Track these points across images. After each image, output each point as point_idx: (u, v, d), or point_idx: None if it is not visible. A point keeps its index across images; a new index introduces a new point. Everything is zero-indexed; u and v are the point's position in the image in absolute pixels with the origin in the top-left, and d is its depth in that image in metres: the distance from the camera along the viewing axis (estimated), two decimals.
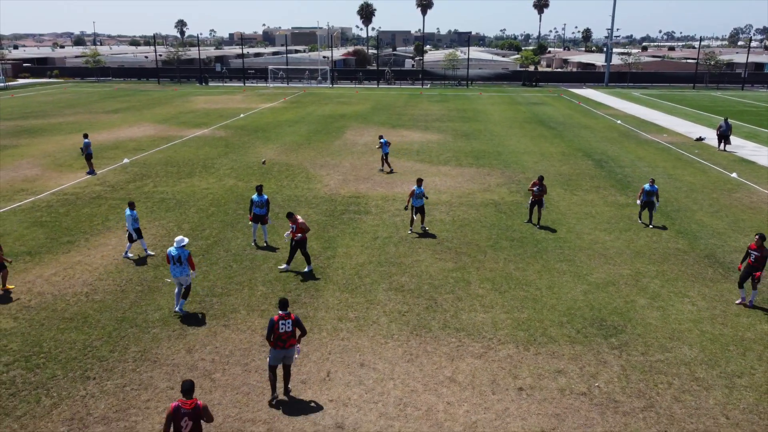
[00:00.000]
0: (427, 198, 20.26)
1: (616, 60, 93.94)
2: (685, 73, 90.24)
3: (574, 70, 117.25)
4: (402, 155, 33.57)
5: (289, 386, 11.14)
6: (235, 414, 10.55)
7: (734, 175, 29.18)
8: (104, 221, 21.39)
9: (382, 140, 29.15)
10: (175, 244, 13.91)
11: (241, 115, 50.49)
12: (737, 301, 15.01)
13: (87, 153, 28.32)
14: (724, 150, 35.81)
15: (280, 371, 11.17)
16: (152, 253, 18.00)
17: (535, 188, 20.48)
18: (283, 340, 10.55)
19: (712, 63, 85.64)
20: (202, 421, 8.32)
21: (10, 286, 15.58)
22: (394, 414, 10.62)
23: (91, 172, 28.46)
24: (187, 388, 8.25)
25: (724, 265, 17.61)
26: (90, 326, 13.71)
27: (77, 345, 12.88)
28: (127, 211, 17.33)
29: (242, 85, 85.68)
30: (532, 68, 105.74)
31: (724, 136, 35.83)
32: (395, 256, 18.10)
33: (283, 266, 16.92)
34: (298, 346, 10.87)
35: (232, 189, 25.87)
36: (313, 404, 10.86)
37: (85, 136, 28.83)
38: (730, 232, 20.59)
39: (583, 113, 54.42)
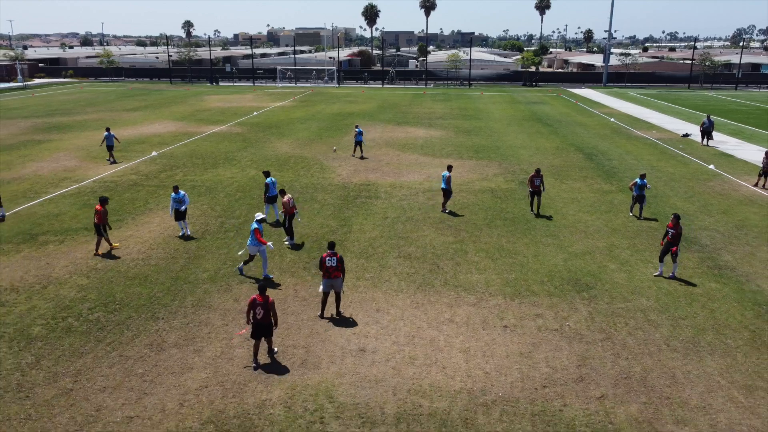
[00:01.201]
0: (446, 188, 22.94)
1: (614, 61, 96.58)
2: (681, 74, 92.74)
3: (575, 70, 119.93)
4: (408, 149, 36.38)
5: (340, 309, 14.59)
6: (279, 342, 13.36)
7: (711, 166, 31.92)
8: (145, 204, 24.25)
9: (357, 129, 33.61)
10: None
11: (255, 113, 53.37)
12: (655, 273, 17.16)
13: (108, 144, 31.82)
14: (707, 145, 38.51)
15: (330, 297, 14.60)
16: (188, 233, 20.41)
17: (536, 181, 22.64)
18: (329, 272, 13.92)
19: (708, 64, 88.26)
20: (270, 314, 12.08)
21: (116, 244, 19.27)
22: (404, 342, 13.44)
23: (111, 160, 31.94)
24: (261, 286, 12.16)
25: (688, 240, 20.35)
26: (151, 283, 16.56)
27: (143, 296, 15.72)
28: (172, 194, 20.12)
29: (252, 84, 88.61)
30: (533, 69, 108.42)
31: (707, 132, 38.53)
32: (403, 232, 20.91)
33: (287, 240, 19.67)
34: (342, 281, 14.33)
35: (254, 178, 28.70)
36: (340, 336, 13.68)
37: (107, 129, 32.37)
38: (698, 214, 23.34)
39: (579, 112, 57.15)
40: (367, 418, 10.73)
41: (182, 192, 20.18)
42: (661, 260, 17.20)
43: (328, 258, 14.03)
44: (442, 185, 22.89)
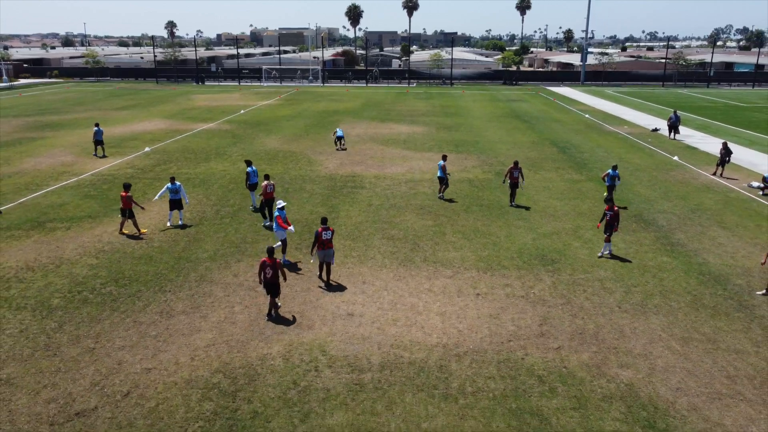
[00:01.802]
0: (449, 175, 24.87)
1: (592, 60, 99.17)
2: (656, 72, 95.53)
3: (554, 69, 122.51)
4: (391, 144, 38.10)
5: (331, 278, 16.55)
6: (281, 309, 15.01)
7: (675, 158, 34.05)
8: (144, 194, 25.68)
9: (338, 132, 36.71)
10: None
11: (242, 111, 54.76)
12: (599, 255, 18.55)
13: (97, 139, 33.23)
14: (674, 139, 40.72)
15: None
16: (181, 223, 21.76)
17: (515, 173, 23.73)
18: (325, 245, 15.95)
19: (682, 63, 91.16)
20: (279, 273, 14.19)
21: (143, 230, 20.82)
22: (388, 308, 15.14)
23: (101, 155, 33.58)
24: (269, 249, 14.20)
25: (647, 221, 22.31)
26: (156, 262, 18.09)
27: (150, 273, 17.26)
28: (168, 185, 21.55)
29: (237, 84, 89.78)
30: (514, 68, 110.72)
31: (673, 127, 40.73)
32: (386, 217, 22.62)
33: (267, 222, 21.46)
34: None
35: (245, 170, 30.13)
36: (330, 303, 15.35)
37: (96, 124, 33.76)
38: (658, 199, 25.33)
39: (556, 109, 59.29)
40: (356, 367, 12.41)
41: (178, 183, 21.63)
42: (608, 240, 18.59)
43: (324, 232, 16.00)
44: (438, 173, 24.78)
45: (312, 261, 16.54)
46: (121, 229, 20.61)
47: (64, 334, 13.72)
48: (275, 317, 14.58)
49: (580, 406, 11.15)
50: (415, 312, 14.91)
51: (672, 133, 40.99)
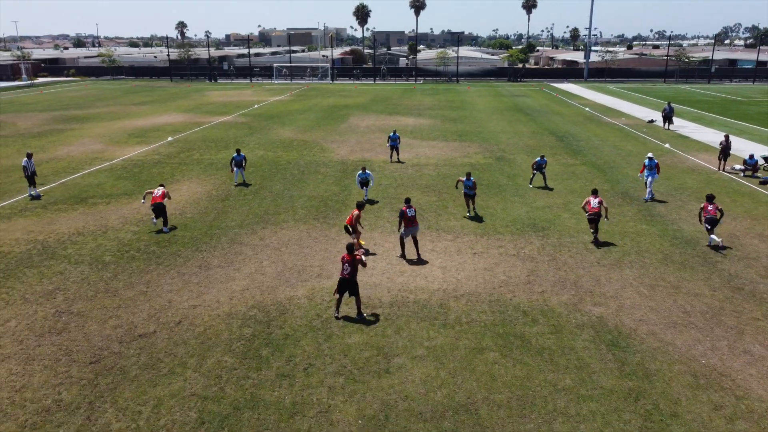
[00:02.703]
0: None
1: (595, 57, 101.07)
2: (658, 69, 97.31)
3: (559, 66, 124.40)
4: (398, 134, 40.31)
5: (419, 251, 17.73)
6: (300, 263, 17.30)
7: (667, 145, 36.13)
8: (172, 176, 28.09)
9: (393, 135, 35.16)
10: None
11: (255, 106, 57.20)
12: (592, 240, 19.60)
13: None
14: (668, 129, 42.76)
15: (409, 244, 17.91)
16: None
17: (465, 180, 21.44)
18: (410, 220, 17.20)
19: (684, 60, 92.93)
20: (359, 266, 13.99)
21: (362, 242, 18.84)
22: (396, 263, 17.41)
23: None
24: (348, 246, 13.62)
25: (632, 198, 24.45)
26: (190, 229, 20.45)
27: (186, 237, 19.62)
28: (234, 155, 26.10)
29: (249, 81, 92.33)
30: (519, 65, 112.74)
31: (668, 117, 42.76)
32: (395, 194, 24.88)
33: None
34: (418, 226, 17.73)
35: (263, 157, 32.60)
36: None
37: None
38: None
39: (558, 103, 61.37)
40: (369, 305, 14.68)
41: (243, 154, 26.51)
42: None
43: (408, 209, 17.14)
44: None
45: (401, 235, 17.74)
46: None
47: (119, 281, 16.08)
48: (361, 317, 13.96)
49: (556, 331, 13.37)
50: (420, 266, 17.17)
51: (666, 124, 43.02)
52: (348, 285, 13.65)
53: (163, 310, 14.36)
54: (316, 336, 13.12)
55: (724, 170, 29.33)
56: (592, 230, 19.04)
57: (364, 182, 23.51)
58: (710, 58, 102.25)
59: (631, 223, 21.10)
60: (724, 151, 29.28)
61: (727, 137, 29.60)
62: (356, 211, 17.24)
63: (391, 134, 32.08)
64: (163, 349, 12.58)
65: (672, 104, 43.68)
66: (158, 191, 20.00)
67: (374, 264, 17.28)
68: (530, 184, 26.33)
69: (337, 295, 13.90)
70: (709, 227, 18.41)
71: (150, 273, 16.63)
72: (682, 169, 29.85)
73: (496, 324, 13.68)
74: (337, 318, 13.88)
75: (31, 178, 24.41)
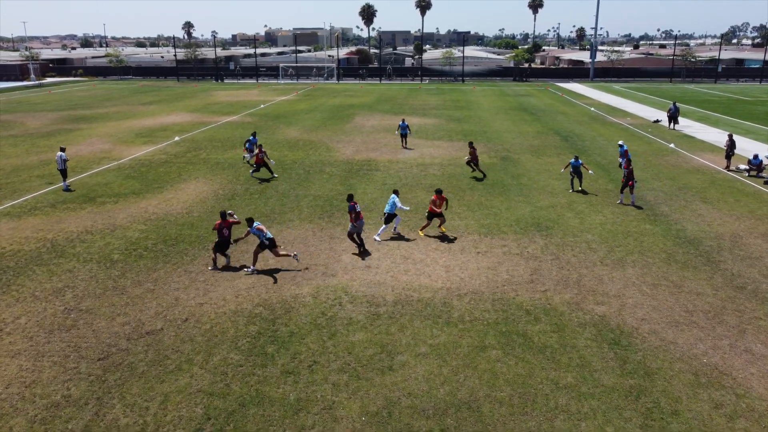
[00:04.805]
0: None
1: (601, 57, 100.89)
2: (664, 69, 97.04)
3: (565, 66, 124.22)
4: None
5: (365, 245, 18.50)
6: (305, 262, 17.48)
7: (672, 145, 36.13)
8: (179, 175, 28.34)
9: (402, 123, 36.52)
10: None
11: (261, 106, 57.47)
12: (617, 201, 21.36)
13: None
14: (674, 129, 42.71)
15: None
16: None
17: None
18: (359, 215, 17.92)
19: (691, 59, 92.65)
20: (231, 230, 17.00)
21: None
22: (400, 261, 17.57)
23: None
24: (221, 212, 16.83)
25: (636, 198, 24.50)
26: (196, 227, 20.66)
27: (193, 236, 19.83)
28: (250, 137, 28.97)
29: (255, 81, 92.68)
30: (525, 65, 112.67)
31: (673, 117, 42.72)
32: (400, 194, 25.00)
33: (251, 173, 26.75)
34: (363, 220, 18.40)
35: (269, 156, 32.77)
36: (350, 258, 17.80)
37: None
38: (649, 180, 27.50)
39: (563, 103, 61.36)
40: (373, 303, 14.85)
41: (256, 138, 29.81)
42: (621, 192, 23.00)
43: (356, 205, 17.86)
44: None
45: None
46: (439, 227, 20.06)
47: (127, 279, 16.30)
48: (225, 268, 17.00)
49: (559, 330, 13.49)
50: (424, 265, 17.32)
51: (671, 124, 42.97)
52: (224, 245, 16.88)
53: (170, 308, 14.56)
54: (320, 333, 13.29)
55: (728, 170, 29.34)
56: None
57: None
58: (717, 57, 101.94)
59: (635, 223, 21.17)
60: (729, 150, 29.40)
61: (730, 136, 29.69)
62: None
63: (401, 123, 35.96)
64: (170, 345, 12.78)
65: (677, 104, 43.62)
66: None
67: (378, 263, 17.44)
68: (571, 189, 25.48)
69: (214, 255, 17.01)
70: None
71: (157, 271, 16.85)
72: (687, 169, 29.88)
73: (498, 322, 13.81)
74: (213, 269, 16.92)
75: (64, 172, 25.67)
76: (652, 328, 13.55)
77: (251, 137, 30.19)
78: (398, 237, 19.63)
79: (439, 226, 19.87)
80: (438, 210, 19.30)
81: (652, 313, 14.31)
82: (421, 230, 19.97)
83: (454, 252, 18.35)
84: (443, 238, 19.59)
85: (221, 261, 17.33)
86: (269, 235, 16.66)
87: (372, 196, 24.63)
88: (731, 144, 29.26)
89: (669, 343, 12.91)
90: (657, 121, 46.68)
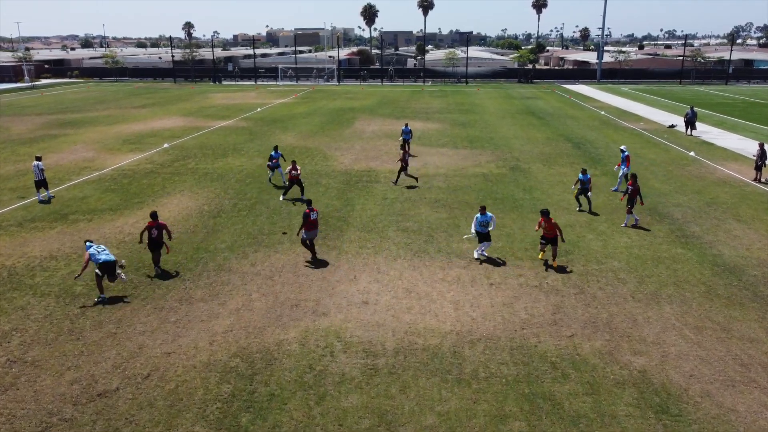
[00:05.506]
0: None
1: (608, 58, 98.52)
2: (673, 70, 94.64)
3: (570, 67, 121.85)
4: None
5: (316, 251, 17.84)
6: (293, 297, 15.28)
7: (692, 153, 33.84)
8: (163, 188, 26.15)
9: (405, 128, 34.08)
10: None
11: (258, 109, 55.29)
12: (623, 224, 19.69)
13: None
14: (691, 135, 40.42)
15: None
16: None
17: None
18: (312, 224, 17.16)
19: (700, 60, 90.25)
20: (165, 232, 16.58)
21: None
22: (402, 296, 15.34)
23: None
24: (152, 213, 16.59)
25: (661, 214, 22.27)
26: (175, 252, 18.44)
27: (170, 262, 17.62)
28: (272, 153, 26.03)
29: (254, 83, 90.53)
30: (530, 66, 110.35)
31: (690, 123, 40.44)
32: (401, 210, 22.81)
33: (282, 198, 24.26)
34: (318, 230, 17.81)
35: (262, 166, 30.60)
36: (345, 292, 15.59)
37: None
38: (673, 193, 25.25)
39: (571, 106, 59.07)
40: (370, 352, 12.63)
41: (280, 152, 26.14)
42: (629, 213, 20.56)
43: (311, 212, 17.13)
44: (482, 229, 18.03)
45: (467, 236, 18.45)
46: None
47: (86, 319, 14.10)
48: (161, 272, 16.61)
49: (592, 391, 11.26)
50: (429, 300, 15.10)
51: (689, 129, 40.70)
52: (157, 245, 16.47)
53: (131, 359, 12.36)
54: (306, 396, 11.08)
55: (758, 182, 27.07)
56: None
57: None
58: (726, 58, 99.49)
59: (665, 246, 18.92)
60: (759, 160, 27.13)
61: (761, 146, 27.39)
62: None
63: (404, 128, 33.51)
64: (124, 413, 10.57)
65: (695, 108, 41.31)
66: None
67: (377, 297, 15.23)
68: (579, 206, 22.95)
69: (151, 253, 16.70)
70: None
71: (123, 308, 14.65)
72: (712, 180, 27.60)
73: (519, 380, 11.58)
74: (156, 270, 16.72)
75: (43, 182, 24.11)
76: (704, 389, 11.30)
77: (273, 152, 26.30)
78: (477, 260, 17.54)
79: (553, 260, 17.43)
80: (552, 235, 17.05)
81: (701, 367, 12.07)
82: (541, 253, 17.85)
83: (464, 283, 16.12)
84: (451, 264, 17.36)
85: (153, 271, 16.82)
86: (103, 257, 14.81)
87: (371, 213, 22.42)
88: (762, 154, 26.97)
89: (728, 410, 10.67)
90: (672, 126, 44.39)
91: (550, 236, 17.11)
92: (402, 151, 27.03)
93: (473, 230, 17.79)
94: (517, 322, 13.93)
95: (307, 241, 17.57)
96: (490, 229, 17.62)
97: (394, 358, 12.39)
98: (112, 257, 15.11)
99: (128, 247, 18.88)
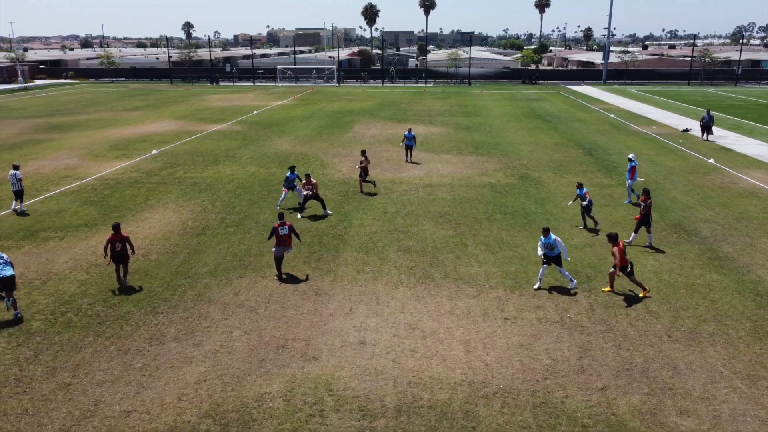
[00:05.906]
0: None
1: (614, 58, 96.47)
2: (681, 70, 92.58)
3: (574, 68, 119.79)
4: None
5: (282, 273, 16.46)
6: (280, 335, 13.33)
7: (711, 160, 31.84)
8: (146, 200, 24.22)
9: (408, 134, 31.60)
10: None
11: (255, 112, 53.36)
12: (626, 241, 17.43)
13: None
14: (707, 140, 38.42)
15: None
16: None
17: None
18: (283, 240, 15.93)
19: (708, 60, 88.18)
20: (127, 245, 15.54)
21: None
22: (405, 335, 13.38)
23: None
24: (115, 225, 15.63)
25: (688, 231, 20.30)
26: (151, 278, 16.52)
27: (143, 291, 15.68)
28: (288, 174, 22.48)
29: (252, 84, 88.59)
30: (533, 67, 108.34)
31: (706, 127, 38.42)
32: (403, 226, 20.86)
33: (299, 215, 21.96)
34: (291, 247, 16.42)
35: (254, 174, 28.68)
36: (340, 328, 13.63)
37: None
38: (698, 207, 23.26)
39: (578, 108, 57.07)
40: (367, 411, 10.67)
41: (296, 173, 22.76)
42: (635, 231, 18.89)
43: (280, 227, 15.92)
44: (584, 203, 20.16)
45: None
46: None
47: (39, 365, 12.16)
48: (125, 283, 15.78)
49: None
50: (436, 339, 13.14)
51: (705, 134, 38.69)
52: (121, 258, 15.56)
53: (83, 420, 10.41)
54: None
55: None
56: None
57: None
58: (732, 58, 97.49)
59: (697, 271, 16.94)
60: None
61: None
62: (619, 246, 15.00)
63: (407, 133, 31.49)
64: None
65: (711, 112, 39.29)
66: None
67: (376, 336, 13.27)
68: (583, 226, 20.76)
69: (113, 265, 15.80)
70: None
71: (83, 350, 12.70)
72: (737, 191, 25.61)
73: None
74: (119, 284, 15.84)
75: (19, 193, 22.60)
76: None
77: (289, 173, 22.55)
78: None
79: (644, 292, 15.43)
80: (625, 262, 15.08)
81: (761, 431, 10.09)
82: (610, 287, 15.68)
83: (475, 317, 14.16)
84: (460, 292, 15.40)
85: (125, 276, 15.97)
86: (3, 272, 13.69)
87: (370, 230, 20.47)
88: None
89: None
90: (686, 130, 42.39)
91: (624, 264, 15.05)
92: (363, 158, 25.31)
93: (539, 253, 15.77)
94: (539, 370, 11.97)
95: (275, 258, 16.35)
96: (559, 253, 15.50)
97: (395, 419, 10.43)
98: (10, 271, 13.63)
99: (99, 271, 16.93)
